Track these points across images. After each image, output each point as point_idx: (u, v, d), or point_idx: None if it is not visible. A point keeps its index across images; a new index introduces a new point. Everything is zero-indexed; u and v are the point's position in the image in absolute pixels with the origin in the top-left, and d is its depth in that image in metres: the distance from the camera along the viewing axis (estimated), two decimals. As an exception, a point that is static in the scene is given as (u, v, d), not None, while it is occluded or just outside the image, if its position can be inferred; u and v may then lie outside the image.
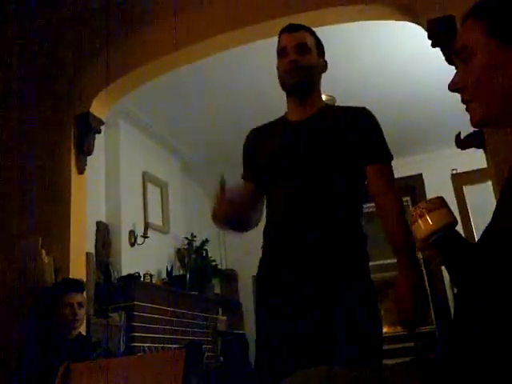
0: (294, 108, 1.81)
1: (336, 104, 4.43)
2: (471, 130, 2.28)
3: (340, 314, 1.55)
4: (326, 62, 1.84)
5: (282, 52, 1.78)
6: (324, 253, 1.62)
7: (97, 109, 3.25)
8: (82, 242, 3.16)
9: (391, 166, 1.75)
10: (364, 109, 1.85)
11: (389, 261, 5.69)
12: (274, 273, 1.70)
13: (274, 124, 1.87)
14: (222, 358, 4.69)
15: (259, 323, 1.73)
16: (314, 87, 1.80)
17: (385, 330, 5.82)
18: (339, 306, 1.56)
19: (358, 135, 1.71)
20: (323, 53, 1.84)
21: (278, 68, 1.81)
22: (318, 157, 1.69)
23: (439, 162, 5.48)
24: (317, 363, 1.05)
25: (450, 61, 2.26)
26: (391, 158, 1.76)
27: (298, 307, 1.60)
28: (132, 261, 4.19)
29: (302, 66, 1.73)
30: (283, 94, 1.85)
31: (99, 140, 3.51)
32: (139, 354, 3.55)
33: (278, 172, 1.74)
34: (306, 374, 0.96)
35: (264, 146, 1.81)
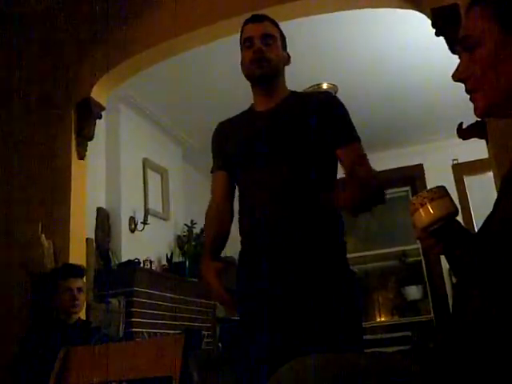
0: (261, 98, 1.81)
1: (337, 92, 4.42)
2: (473, 119, 2.27)
3: (317, 306, 1.56)
4: (289, 55, 1.84)
5: (247, 42, 1.77)
6: (299, 242, 1.62)
7: (97, 94, 3.24)
8: (82, 228, 3.17)
9: (360, 145, 1.74)
10: (330, 93, 1.87)
11: (388, 250, 5.72)
12: (250, 265, 1.72)
13: (242, 116, 1.88)
14: (220, 345, 4.72)
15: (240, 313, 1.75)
16: (277, 78, 1.80)
17: (382, 318, 5.86)
18: (316, 299, 1.56)
19: (326, 120, 1.70)
20: (286, 46, 1.84)
21: (242, 58, 1.80)
22: (288, 144, 1.69)
23: (440, 152, 5.46)
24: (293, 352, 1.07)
25: (453, 50, 2.25)
26: (359, 139, 1.75)
27: (274, 304, 1.61)
28: (132, 247, 4.20)
29: (268, 56, 1.73)
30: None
31: (100, 126, 3.50)
32: (138, 340, 3.57)
33: (249, 161, 1.75)
34: (303, 361, 0.96)
35: (234, 137, 1.81)
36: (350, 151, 1.70)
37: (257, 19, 1.80)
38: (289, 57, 1.84)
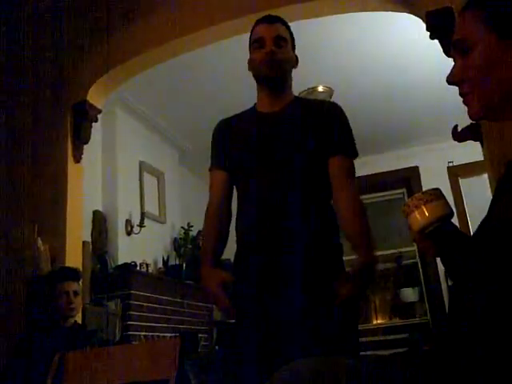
0: (266, 99, 1.80)
1: (332, 95, 4.43)
2: (468, 122, 2.28)
3: (312, 307, 1.57)
4: (297, 56, 1.84)
5: (258, 42, 1.76)
6: (297, 244, 1.63)
7: (94, 97, 3.23)
8: (78, 231, 3.16)
9: (353, 162, 1.76)
10: (334, 103, 1.88)
11: (384, 252, 5.72)
12: (246, 267, 1.71)
13: (245, 116, 1.86)
14: (217, 348, 4.71)
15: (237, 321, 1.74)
16: (286, 80, 1.80)
17: (379, 321, 5.86)
18: (311, 300, 1.57)
19: (326, 128, 1.72)
20: (295, 47, 1.84)
21: (251, 58, 1.79)
22: (290, 148, 1.70)
23: (435, 155, 5.48)
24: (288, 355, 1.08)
25: (448, 53, 2.26)
26: (355, 154, 1.77)
27: (270, 306, 1.61)
28: (128, 250, 4.19)
29: (279, 58, 1.72)
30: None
31: (96, 129, 3.50)
32: (135, 343, 3.57)
33: (251, 163, 1.74)
34: (300, 364, 0.96)
35: (237, 139, 1.80)
36: (340, 164, 1.72)
37: (269, 20, 1.79)
38: (297, 59, 1.83)
